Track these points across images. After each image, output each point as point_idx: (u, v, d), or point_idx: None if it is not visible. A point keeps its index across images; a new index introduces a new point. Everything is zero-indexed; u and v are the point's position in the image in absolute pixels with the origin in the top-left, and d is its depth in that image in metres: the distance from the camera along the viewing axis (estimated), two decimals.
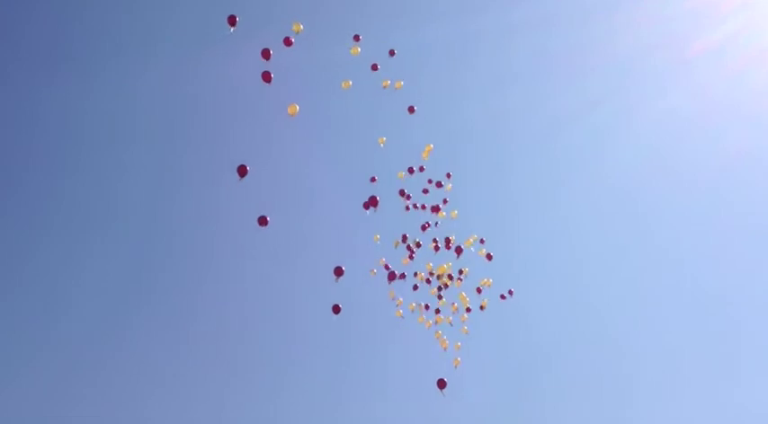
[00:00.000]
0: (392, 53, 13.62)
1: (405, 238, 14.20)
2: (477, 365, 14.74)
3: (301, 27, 12.02)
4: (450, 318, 14.08)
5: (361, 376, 24.49)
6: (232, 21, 11.90)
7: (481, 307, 14.16)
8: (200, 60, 24.04)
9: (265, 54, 11.86)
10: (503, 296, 14.48)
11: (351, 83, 13.05)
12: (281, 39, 12.22)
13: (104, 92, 24.60)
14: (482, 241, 14.48)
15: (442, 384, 12.76)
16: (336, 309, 12.46)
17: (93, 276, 24.30)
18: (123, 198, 25.34)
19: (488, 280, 14.39)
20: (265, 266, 25.68)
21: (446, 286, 14.20)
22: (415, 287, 14.20)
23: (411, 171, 14.39)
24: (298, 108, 11.95)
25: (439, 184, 14.69)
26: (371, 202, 12.67)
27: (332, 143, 24.94)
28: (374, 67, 13.39)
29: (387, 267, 14.18)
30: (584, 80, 27.68)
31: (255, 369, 24.20)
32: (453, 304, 14.19)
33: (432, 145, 14.32)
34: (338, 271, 12.22)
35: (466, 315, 14.05)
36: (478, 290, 14.36)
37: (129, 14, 24.28)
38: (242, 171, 11.51)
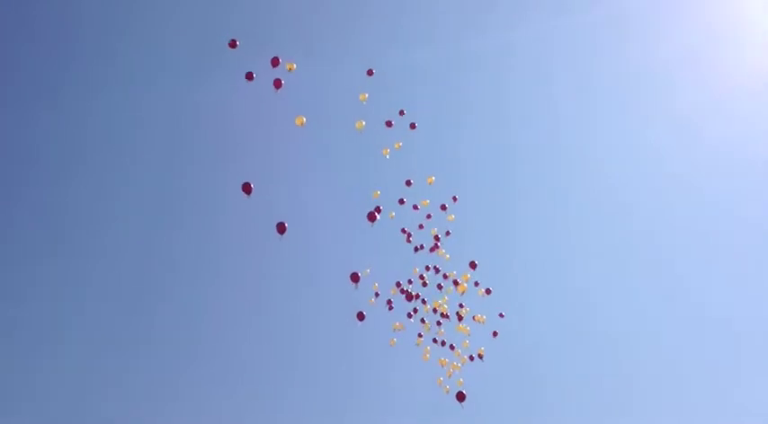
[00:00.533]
0: (401, 113, 13.95)
1: (398, 284, 14.37)
2: (474, 379, 14.75)
3: (294, 66, 12.55)
4: (456, 364, 14.26)
5: (363, 397, 24.33)
6: (233, 44, 12.45)
7: (480, 356, 14.34)
8: (201, 79, 24.19)
9: (249, 76, 12.39)
10: (495, 333, 14.72)
11: (364, 123, 13.40)
12: (282, 59, 12.54)
13: (109, 111, 24.71)
14: (476, 283, 14.65)
15: (461, 396, 13.29)
16: (361, 317, 12.96)
17: (100, 285, 24.17)
18: (129, 212, 25.24)
19: (482, 317, 14.64)
20: (267, 284, 25.66)
21: (446, 316, 14.33)
22: (423, 321, 14.35)
23: (402, 202, 14.40)
24: (305, 119, 12.55)
25: (443, 207, 14.65)
26: (370, 218, 13.01)
27: (332, 163, 24.98)
28: (389, 124, 13.79)
29: (378, 294, 14.23)
30: (586, 95, 27.90)
31: (258, 383, 23.99)
32: (455, 349, 14.35)
33: (433, 177, 14.60)
34: (354, 278, 12.56)
35: (465, 357, 14.28)
36: (474, 318, 14.57)
37: (132, 32, 24.47)
38: (247, 188, 11.93)
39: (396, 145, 13.94)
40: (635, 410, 23.36)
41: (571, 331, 25.91)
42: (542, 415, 23.55)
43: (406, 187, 14.37)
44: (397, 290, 14.34)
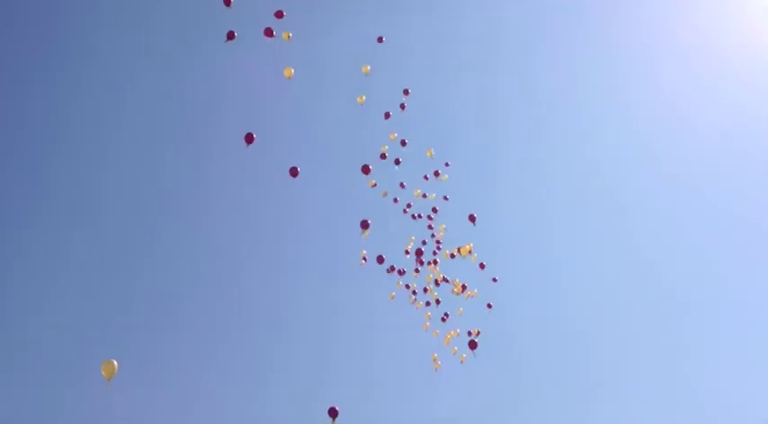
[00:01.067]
0: (406, 92, 14.25)
1: (392, 268, 14.72)
2: (457, 366, 15.12)
3: (291, 35, 12.54)
4: (450, 335, 14.69)
5: (348, 374, 24.62)
6: (231, 35, 12.17)
7: (477, 333, 14.62)
8: (190, 58, 24.06)
9: (230, 36, 12.16)
10: (489, 305, 15.24)
11: (364, 97, 13.74)
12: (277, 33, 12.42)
13: (95, 89, 24.52)
14: (470, 250, 14.90)
15: (473, 345, 13.78)
16: (365, 224, 13.05)
17: (80, 272, 24.14)
18: (113, 195, 25.25)
19: (474, 291, 15.11)
20: (253, 262, 25.75)
21: (446, 280, 14.65)
22: (425, 290, 14.73)
23: (398, 162, 14.59)
24: (293, 70, 12.61)
25: (436, 173, 14.99)
26: (364, 170, 13.40)
27: (323, 133, 25.02)
28: (386, 116, 14.09)
29: (365, 259, 14.53)
30: (573, 72, 27.99)
31: (243, 366, 24.28)
32: (449, 332, 14.77)
33: (432, 150, 14.97)
34: (364, 225, 12.85)
35: (458, 330, 14.68)
36: (463, 287, 14.92)
37: (117, 20, 24.21)
38: (249, 138, 12.00)
39: (391, 137, 14.32)
40: (626, 405, 23.94)
41: (562, 324, 26.33)
42: (531, 398, 24.15)
43: (402, 147, 14.63)
44: (394, 272, 14.72)
